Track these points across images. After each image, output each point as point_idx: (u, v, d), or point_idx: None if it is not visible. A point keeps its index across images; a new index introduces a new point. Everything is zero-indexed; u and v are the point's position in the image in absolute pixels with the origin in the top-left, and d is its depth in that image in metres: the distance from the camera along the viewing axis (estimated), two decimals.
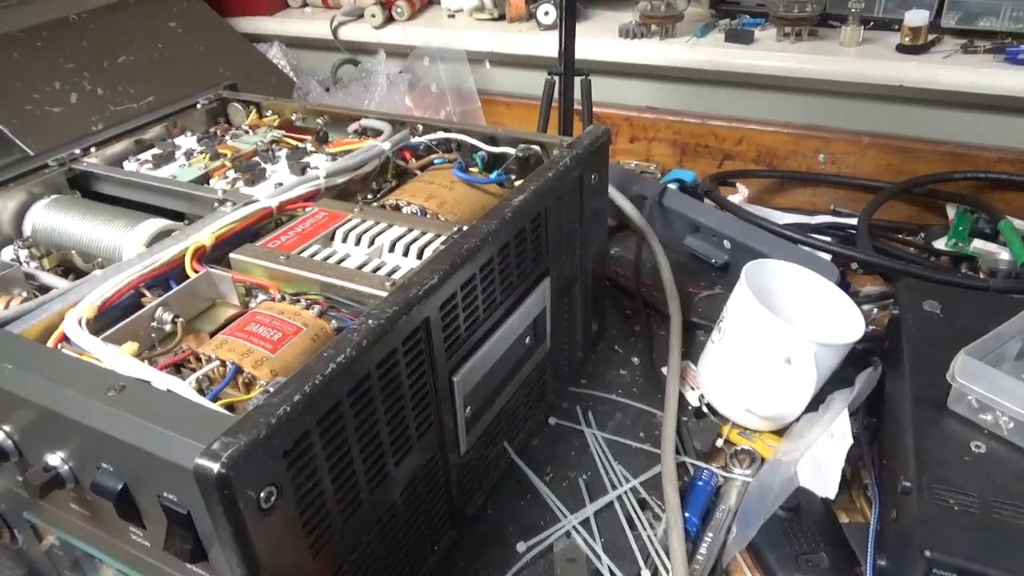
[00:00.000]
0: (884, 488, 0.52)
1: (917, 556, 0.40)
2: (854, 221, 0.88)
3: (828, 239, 0.80)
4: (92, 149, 0.70)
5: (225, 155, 0.69)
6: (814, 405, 0.58)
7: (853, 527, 0.52)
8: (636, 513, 0.54)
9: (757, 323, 0.57)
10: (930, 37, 0.94)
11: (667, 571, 0.50)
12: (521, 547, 0.52)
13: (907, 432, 0.48)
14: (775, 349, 0.56)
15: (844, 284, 0.65)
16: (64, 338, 0.43)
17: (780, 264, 0.63)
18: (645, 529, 0.53)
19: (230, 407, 0.39)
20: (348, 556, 0.42)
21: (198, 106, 0.80)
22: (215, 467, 0.31)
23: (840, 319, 0.60)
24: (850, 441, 0.51)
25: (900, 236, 0.87)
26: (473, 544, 0.53)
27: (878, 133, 0.96)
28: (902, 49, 0.94)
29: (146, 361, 0.41)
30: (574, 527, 0.53)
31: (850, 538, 0.51)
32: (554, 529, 0.53)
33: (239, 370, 0.41)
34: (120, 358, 0.40)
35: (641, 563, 0.51)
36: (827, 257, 0.74)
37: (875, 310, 0.75)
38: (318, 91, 1.21)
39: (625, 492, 0.56)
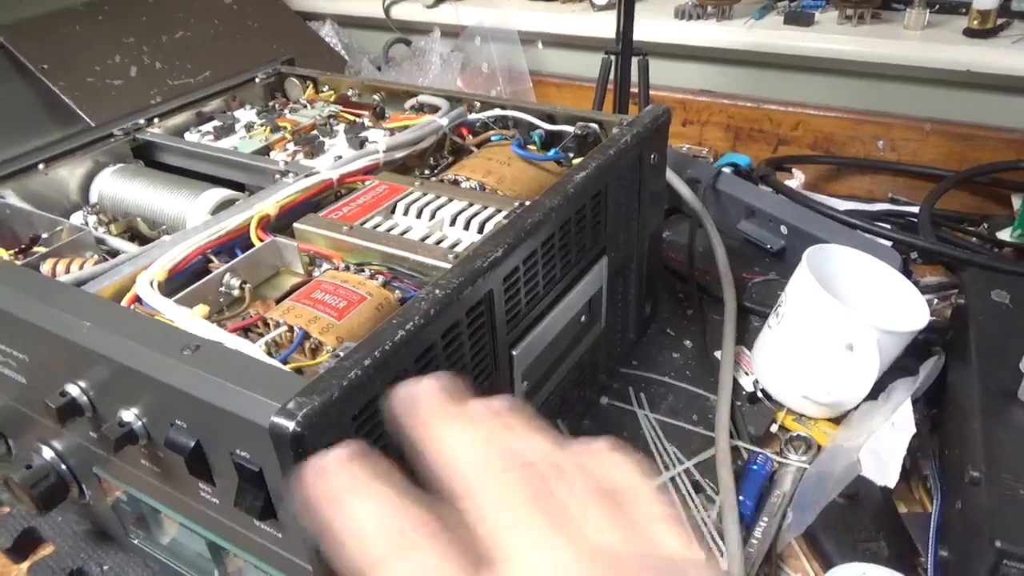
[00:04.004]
0: (947, 479, 0.51)
1: (987, 547, 0.39)
2: (914, 210, 0.86)
3: (888, 227, 0.78)
4: (155, 120, 0.72)
5: (285, 128, 0.70)
6: (873, 393, 0.57)
7: (913, 517, 0.51)
8: (689, 495, 0.54)
9: (818, 308, 0.56)
10: (999, 21, 0.91)
11: (721, 553, 0.49)
12: None
13: (975, 422, 0.47)
14: (837, 335, 0.55)
15: (906, 273, 0.63)
16: (137, 299, 0.44)
17: (842, 249, 0.61)
18: (699, 511, 0.53)
19: (298, 371, 0.40)
20: None
21: (256, 80, 0.81)
22: (290, 425, 0.32)
23: (903, 307, 0.59)
24: (913, 430, 0.50)
25: (962, 226, 0.85)
26: None
27: (941, 119, 0.94)
28: (969, 33, 0.91)
29: (215, 324, 0.42)
30: None
31: (909, 528, 0.50)
32: None
33: (306, 336, 0.42)
34: (192, 319, 0.41)
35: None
36: (887, 244, 0.73)
37: (936, 300, 0.73)
38: (370, 69, 1.22)
39: (678, 474, 0.56)
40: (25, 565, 0.55)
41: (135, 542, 0.51)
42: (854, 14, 0.98)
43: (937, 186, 0.84)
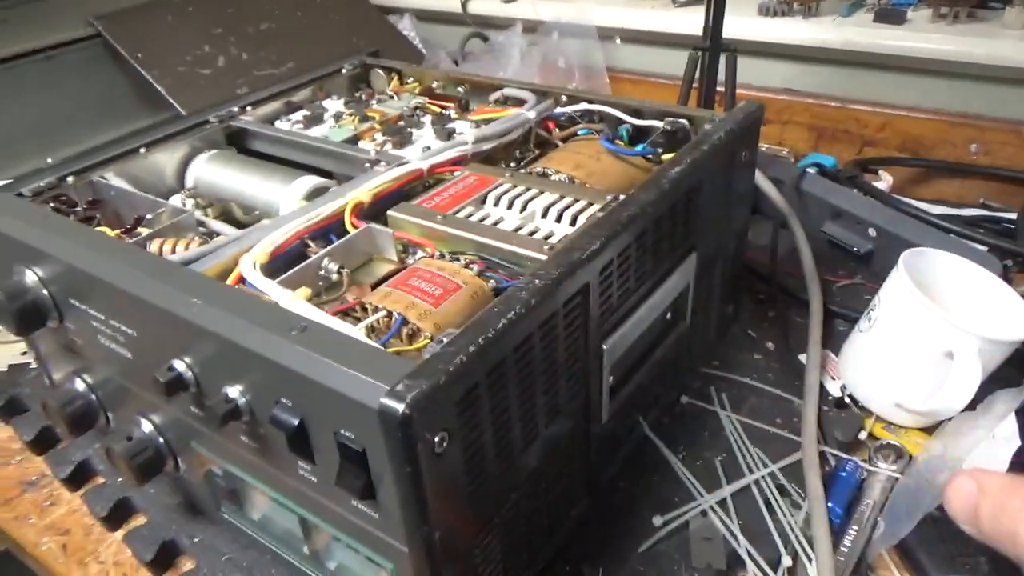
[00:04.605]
0: None
1: None
2: (1009, 216, 0.83)
3: (984, 232, 0.75)
4: (248, 108, 0.74)
5: (374, 118, 0.71)
6: (969, 404, 0.55)
7: None
8: (775, 499, 0.53)
9: (917, 314, 0.54)
10: None
11: (809, 560, 0.48)
12: (657, 520, 0.52)
13: None
14: (936, 342, 0.53)
15: (1006, 280, 0.61)
16: (241, 280, 0.46)
17: (940, 254, 0.59)
18: (785, 516, 0.51)
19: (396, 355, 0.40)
20: (498, 511, 0.42)
21: (343, 71, 0.82)
22: (400, 407, 0.32)
23: (1005, 315, 0.56)
24: (1017, 443, 0.48)
25: None
26: (607, 514, 0.53)
27: None
28: None
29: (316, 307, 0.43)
30: (711, 506, 0.52)
31: None
32: (690, 506, 0.53)
33: (404, 321, 0.42)
34: (295, 301, 0.42)
35: (781, 548, 0.49)
36: (984, 251, 0.70)
37: None
38: (447, 63, 1.23)
39: (763, 477, 0.54)
40: (119, 534, 0.57)
41: (225, 516, 0.53)
42: (949, 12, 0.95)
43: None
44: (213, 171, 0.66)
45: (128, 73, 1.04)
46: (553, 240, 0.49)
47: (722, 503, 0.53)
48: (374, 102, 0.76)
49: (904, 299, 0.55)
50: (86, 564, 0.55)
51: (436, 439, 0.34)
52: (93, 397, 0.55)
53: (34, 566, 0.57)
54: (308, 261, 0.48)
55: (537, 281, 0.40)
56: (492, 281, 0.46)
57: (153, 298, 0.42)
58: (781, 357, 0.68)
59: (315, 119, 0.73)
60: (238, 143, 0.72)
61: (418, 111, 0.73)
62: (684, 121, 0.62)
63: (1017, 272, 0.76)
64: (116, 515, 0.58)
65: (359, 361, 0.35)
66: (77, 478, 0.61)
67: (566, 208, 0.52)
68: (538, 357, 0.41)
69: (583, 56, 1.18)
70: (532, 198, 0.54)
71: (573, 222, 0.51)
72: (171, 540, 0.55)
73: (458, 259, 0.48)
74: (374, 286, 0.48)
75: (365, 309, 0.44)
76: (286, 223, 0.51)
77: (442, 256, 0.49)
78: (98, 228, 0.56)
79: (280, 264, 0.49)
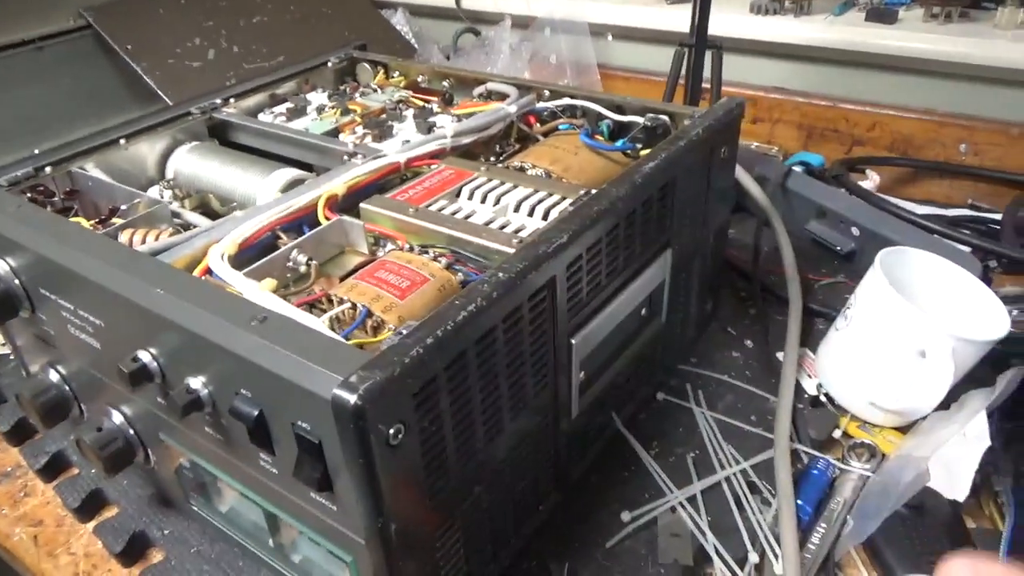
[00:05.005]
0: (1021, 496, 0.48)
1: None
2: (995, 216, 0.82)
3: (968, 232, 0.75)
4: (231, 100, 0.73)
5: (355, 111, 0.71)
6: (944, 403, 0.55)
7: (982, 533, 0.49)
8: (745, 496, 0.53)
9: (891, 312, 0.54)
10: None
11: (776, 557, 0.48)
12: (626, 516, 0.52)
13: None
14: (909, 340, 0.53)
15: (985, 281, 0.60)
16: (208, 271, 0.45)
17: (918, 253, 0.59)
18: (754, 513, 0.51)
19: (359, 348, 0.40)
20: (460, 505, 0.42)
21: (329, 64, 0.82)
22: (352, 398, 0.32)
23: (981, 315, 0.56)
24: (987, 443, 0.48)
25: None
26: (576, 509, 0.53)
27: None
28: None
29: (282, 298, 0.43)
30: (680, 503, 0.52)
31: (978, 544, 0.48)
32: (659, 502, 0.52)
33: (369, 313, 0.42)
34: (260, 292, 0.42)
35: (749, 546, 0.49)
36: (967, 251, 0.70)
37: (1014, 312, 0.70)
38: (439, 58, 1.23)
39: (734, 473, 0.54)
40: (91, 524, 0.57)
41: (195, 508, 0.53)
42: (941, 12, 0.95)
43: (1022, 192, 0.80)
44: (193, 162, 0.66)
45: (118, 65, 1.04)
46: (524, 234, 0.48)
47: (692, 499, 0.53)
48: (358, 95, 0.76)
49: (879, 297, 0.55)
50: (56, 555, 0.55)
51: (391, 431, 0.34)
52: (67, 388, 0.55)
53: (6, 557, 0.57)
54: (276, 252, 0.48)
55: (500, 274, 0.40)
56: (460, 274, 0.46)
57: (117, 287, 0.42)
58: (760, 355, 0.67)
59: (298, 112, 0.73)
60: (220, 135, 0.72)
61: (401, 105, 0.73)
62: (664, 117, 0.62)
63: (1001, 273, 0.76)
64: (88, 506, 0.58)
65: (316, 352, 0.35)
66: (52, 469, 0.61)
67: (539, 202, 0.52)
68: (502, 351, 0.41)
69: (574, 52, 1.17)
70: (506, 192, 0.54)
71: (546, 216, 0.51)
72: (141, 532, 0.55)
73: (427, 252, 0.48)
74: (343, 278, 0.48)
75: (331, 301, 0.44)
76: (258, 215, 0.50)
77: (412, 249, 0.49)
78: (74, 218, 0.56)
79: (252, 255, 0.49)
